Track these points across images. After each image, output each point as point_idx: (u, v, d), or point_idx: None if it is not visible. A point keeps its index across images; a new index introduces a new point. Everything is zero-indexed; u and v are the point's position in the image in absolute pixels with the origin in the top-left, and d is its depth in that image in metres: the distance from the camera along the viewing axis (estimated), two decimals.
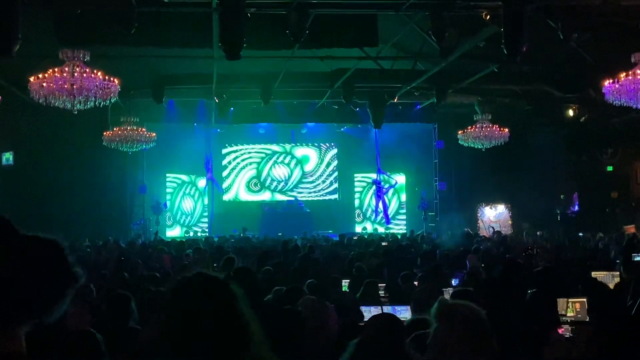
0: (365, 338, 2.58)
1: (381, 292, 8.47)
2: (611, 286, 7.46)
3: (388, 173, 26.09)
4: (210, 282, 1.88)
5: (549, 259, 11.20)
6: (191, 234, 24.47)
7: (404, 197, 26.95)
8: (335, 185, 27.67)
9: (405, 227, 25.70)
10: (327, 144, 27.63)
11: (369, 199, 26.88)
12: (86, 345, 3.60)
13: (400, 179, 26.88)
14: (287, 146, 27.48)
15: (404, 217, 26.85)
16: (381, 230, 25.63)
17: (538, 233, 19.27)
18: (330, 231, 22.54)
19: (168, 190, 25.53)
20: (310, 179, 27.68)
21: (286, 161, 27.64)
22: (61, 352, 3.55)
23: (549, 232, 19.09)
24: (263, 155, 27.55)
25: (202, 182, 25.93)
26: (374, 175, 25.95)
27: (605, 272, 8.63)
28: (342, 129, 25.71)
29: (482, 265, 10.65)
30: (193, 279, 1.91)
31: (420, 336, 4.45)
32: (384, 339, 2.59)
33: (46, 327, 1.46)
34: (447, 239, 17.74)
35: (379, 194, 25.87)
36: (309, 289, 6.87)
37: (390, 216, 26.05)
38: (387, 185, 26.28)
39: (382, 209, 26.02)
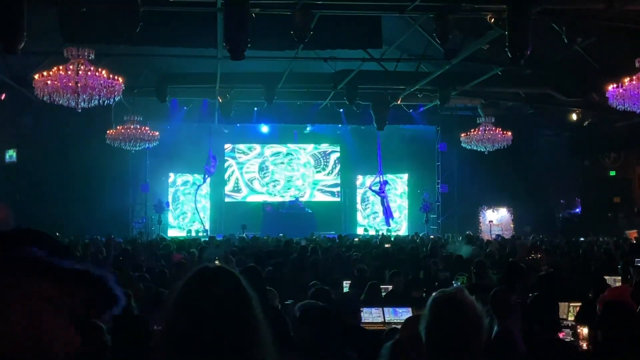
0: (400, 339, 2.58)
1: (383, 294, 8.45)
2: None
3: (375, 178, 25.94)
4: (229, 276, 1.84)
5: (551, 263, 11.17)
6: (193, 233, 24.47)
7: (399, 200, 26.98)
8: (338, 186, 27.67)
9: (407, 229, 25.74)
10: (330, 145, 27.65)
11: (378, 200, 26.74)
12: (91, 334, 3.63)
13: (403, 179, 26.95)
14: (290, 146, 27.49)
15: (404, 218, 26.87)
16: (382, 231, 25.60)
17: (540, 237, 19.23)
18: (332, 232, 22.54)
19: (170, 189, 25.55)
20: (313, 180, 27.68)
21: (288, 161, 27.65)
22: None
23: (551, 236, 19.07)
24: (266, 155, 27.56)
25: (205, 185, 25.85)
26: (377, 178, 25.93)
27: (607, 277, 8.61)
28: (340, 128, 25.67)
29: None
30: (213, 270, 1.86)
31: None
32: (420, 339, 2.60)
33: None
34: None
35: (382, 194, 25.79)
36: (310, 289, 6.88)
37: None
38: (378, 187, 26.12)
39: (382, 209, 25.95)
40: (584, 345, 5.63)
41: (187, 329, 1.73)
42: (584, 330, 5.69)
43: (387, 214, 25.55)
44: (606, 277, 8.31)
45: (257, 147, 27.39)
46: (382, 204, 25.64)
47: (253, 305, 1.81)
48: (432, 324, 2.45)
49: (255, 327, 1.77)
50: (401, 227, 26.38)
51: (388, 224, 25.49)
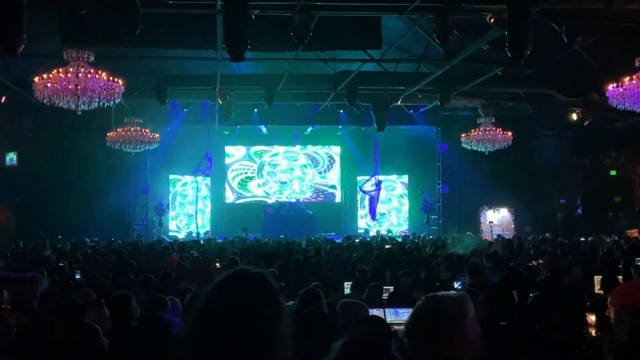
0: (351, 340, 2.61)
1: (385, 295, 8.45)
2: None
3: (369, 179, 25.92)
4: (266, 285, 1.81)
5: (551, 266, 11.14)
6: (194, 234, 24.45)
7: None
8: (338, 187, 27.66)
9: (407, 229, 25.73)
10: (330, 146, 27.64)
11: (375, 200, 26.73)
12: (86, 337, 3.63)
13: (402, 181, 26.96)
14: (291, 148, 27.48)
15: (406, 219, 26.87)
16: (383, 232, 25.60)
17: (540, 236, 19.21)
18: (333, 233, 22.52)
19: (171, 190, 25.53)
20: (313, 181, 27.68)
21: (289, 162, 27.64)
22: (63, 343, 3.59)
23: (552, 236, 19.04)
24: (266, 156, 27.55)
25: (204, 187, 25.88)
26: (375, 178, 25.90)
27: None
28: (341, 129, 25.70)
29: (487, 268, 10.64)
30: (252, 275, 1.82)
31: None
32: (369, 341, 2.63)
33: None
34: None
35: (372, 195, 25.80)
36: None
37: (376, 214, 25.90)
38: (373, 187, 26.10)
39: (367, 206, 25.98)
40: (593, 332, 5.62)
41: (219, 331, 1.71)
42: (592, 317, 5.68)
43: (372, 211, 25.57)
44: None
45: (257, 149, 27.35)
46: (370, 201, 25.69)
47: (284, 314, 1.80)
48: (410, 320, 2.53)
49: (281, 337, 1.76)
50: (383, 225, 26.35)
51: (375, 217, 25.51)
